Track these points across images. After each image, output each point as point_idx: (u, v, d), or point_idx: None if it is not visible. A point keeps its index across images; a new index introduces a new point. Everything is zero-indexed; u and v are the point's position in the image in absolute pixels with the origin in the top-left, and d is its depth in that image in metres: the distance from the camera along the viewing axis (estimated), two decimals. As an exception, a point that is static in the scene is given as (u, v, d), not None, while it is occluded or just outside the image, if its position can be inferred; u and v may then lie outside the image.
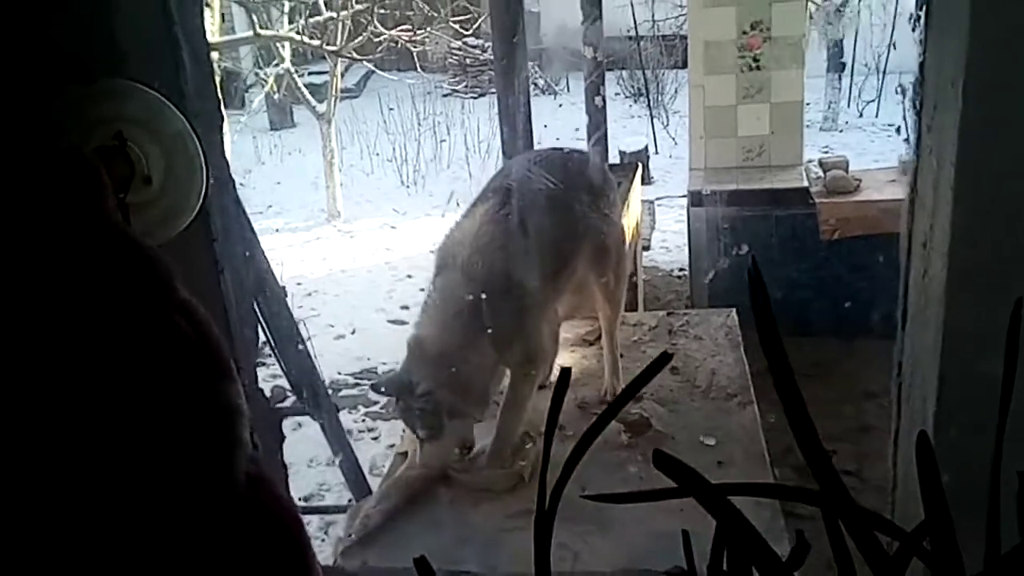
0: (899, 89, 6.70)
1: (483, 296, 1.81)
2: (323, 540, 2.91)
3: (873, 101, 9.15)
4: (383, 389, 1.94)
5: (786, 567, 0.48)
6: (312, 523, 3.08)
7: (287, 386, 2.64)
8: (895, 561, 0.48)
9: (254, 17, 6.50)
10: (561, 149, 2.40)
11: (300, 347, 2.45)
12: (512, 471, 1.86)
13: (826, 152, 7.36)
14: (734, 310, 2.63)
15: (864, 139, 8.59)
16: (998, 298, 0.62)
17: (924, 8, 0.69)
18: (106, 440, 0.48)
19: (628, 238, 3.50)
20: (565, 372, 0.54)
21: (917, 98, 0.70)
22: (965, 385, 0.67)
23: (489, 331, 1.81)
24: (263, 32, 6.59)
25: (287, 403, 2.59)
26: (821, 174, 4.38)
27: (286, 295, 2.40)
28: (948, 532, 0.47)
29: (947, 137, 0.67)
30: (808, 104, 5.21)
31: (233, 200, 1.01)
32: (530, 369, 1.92)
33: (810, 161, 4.73)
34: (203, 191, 0.67)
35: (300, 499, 3.29)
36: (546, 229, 1.97)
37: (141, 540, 0.50)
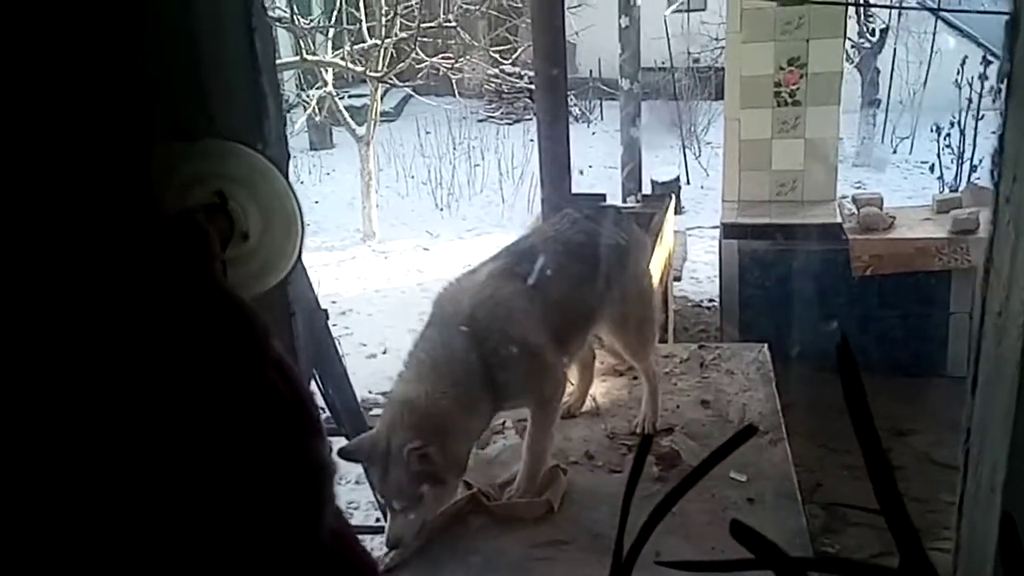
0: (934, 127, 6.67)
1: (485, 355, 1.73)
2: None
3: (907, 138, 9.10)
4: (356, 455, 1.69)
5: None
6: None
7: (321, 404, 2.69)
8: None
9: (301, 43, 6.66)
10: (596, 204, 2.36)
11: (338, 367, 2.49)
12: (541, 500, 1.87)
13: (859, 188, 7.32)
14: (766, 345, 2.61)
15: (898, 176, 8.54)
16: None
17: (1006, 81, 0.70)
18: (200, 496, 0.50)
19: (660, 271, 3.51)
20: (646, 440, 0.55)
21: (995, 169, 0.70)
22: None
23: (490, 391, 1.73)
24: (309, 57, 6.76)
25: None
26: (854, 210, 4.37)
27: (327, 317, 2.45)
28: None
29: (1027, 208, 0.67)
30: (841, 139, 5.21)
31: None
32: (546, 407, 1.90)
33: (843, 197, 4.72)
34: (298, 249, 0.68)
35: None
36: (559, 292, 1.90)
37: None
